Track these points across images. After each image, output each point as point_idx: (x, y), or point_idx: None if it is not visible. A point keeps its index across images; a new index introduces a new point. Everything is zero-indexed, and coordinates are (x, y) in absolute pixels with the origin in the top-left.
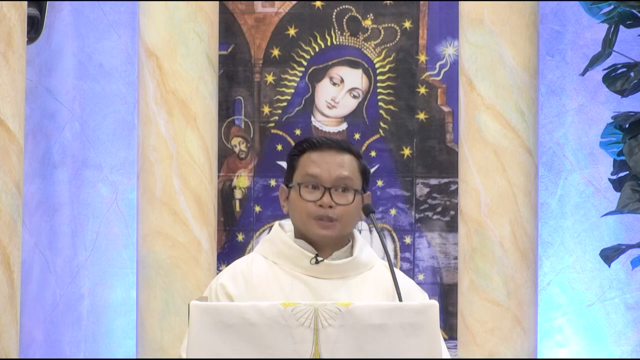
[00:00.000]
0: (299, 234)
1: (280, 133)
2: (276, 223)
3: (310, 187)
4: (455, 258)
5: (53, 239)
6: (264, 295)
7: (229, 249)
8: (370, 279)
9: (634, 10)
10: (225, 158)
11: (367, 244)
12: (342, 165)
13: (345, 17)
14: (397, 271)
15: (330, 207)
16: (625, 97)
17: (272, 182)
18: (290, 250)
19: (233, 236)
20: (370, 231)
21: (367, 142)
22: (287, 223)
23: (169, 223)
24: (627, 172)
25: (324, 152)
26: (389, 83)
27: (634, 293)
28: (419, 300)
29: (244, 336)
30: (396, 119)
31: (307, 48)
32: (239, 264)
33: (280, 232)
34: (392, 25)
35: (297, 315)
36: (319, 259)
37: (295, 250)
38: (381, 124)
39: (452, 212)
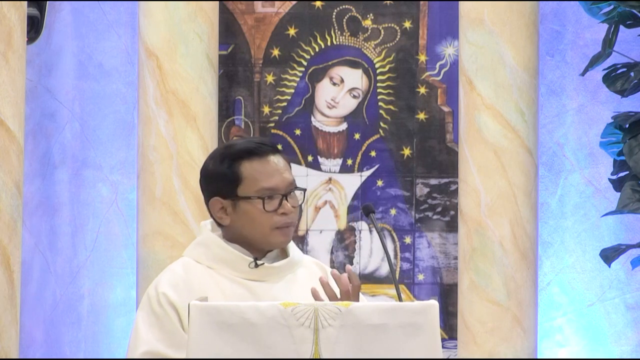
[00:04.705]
0: (234, 239)
1: (280, 133)
2: (205, 226)
3: (267, 198)
4: (455, 258)
5: (53, 239)
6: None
7: None
8: (304, 276)
9: (634, 10)
10: None
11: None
12: (286, 168)
13: (345, 17)
14: (326, 267)
15: (291, 212)
16: (625, 97)
17: None
18: (227, 255)
19: None
20: (370, 231)
21: (367, 142)
22: (211, 223)
23: (169, 223)
24: (627, 172)
25: (262, 158)
26: (389, 83)
27: (634, 293)
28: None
29: (244, 336)
30: (396, 119)
31: (307, 48)
32: (175, 270)
33: (213, 236)
34: (392, 25)
35: (297, 315)
36: (259, 262)
37: (233, 255)
38: (381, 124)
39: (452, 212)
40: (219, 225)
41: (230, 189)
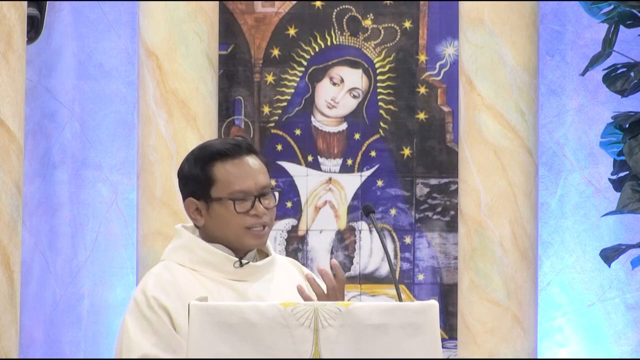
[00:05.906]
0: (211, 239)
1: (280, 133)
2: (182, 229)
3: (238, 199)
4: (455, 258)
5: (53, 239)
6: None
7: None
8: (282, 275)
9: (634, 10)
10: None
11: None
12: (260, 170)
13: (345, 17)
14: (301, 266)
15: (264, 214)
16: (625, 97)
17: (272, 182)
18: (212, 256)
19: None
20: (370, 231)
21: (367, 142)
22: (189, 226)
23: (169, 223)
24: (627, 172)
25: (236, 159)
26: (389, 83)
27: (634, 293)
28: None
29: (244, 336)
30: (396, 119)
31: (307, 48)
32: (161, 273)
33: (195, 238)
34: (392, 25)
35: (297, 315)
36: (244, 262)
37: (218, 256)
38: (381, 124)
39: (452, 212)
40: (196, 226)
41: (204, 190)
